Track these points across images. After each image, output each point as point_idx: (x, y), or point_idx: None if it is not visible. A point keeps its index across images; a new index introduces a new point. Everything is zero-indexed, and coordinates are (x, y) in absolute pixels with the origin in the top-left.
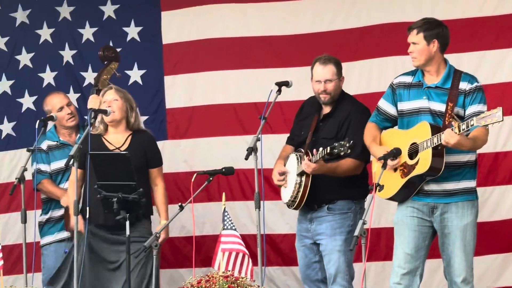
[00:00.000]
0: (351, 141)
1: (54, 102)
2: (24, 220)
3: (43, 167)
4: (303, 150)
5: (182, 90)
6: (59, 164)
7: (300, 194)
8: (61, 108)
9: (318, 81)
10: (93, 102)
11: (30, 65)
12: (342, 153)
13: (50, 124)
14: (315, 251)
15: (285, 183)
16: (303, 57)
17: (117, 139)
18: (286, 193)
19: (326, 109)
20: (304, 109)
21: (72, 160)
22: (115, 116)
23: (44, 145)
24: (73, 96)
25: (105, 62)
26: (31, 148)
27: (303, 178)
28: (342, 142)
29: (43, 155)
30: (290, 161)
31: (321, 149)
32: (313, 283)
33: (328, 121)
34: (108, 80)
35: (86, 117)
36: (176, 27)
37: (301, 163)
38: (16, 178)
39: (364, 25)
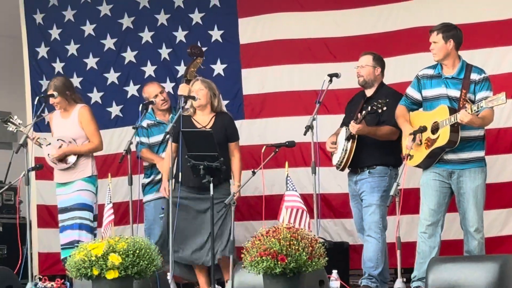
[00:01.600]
0: (387, 100)
1: (150, 91)
2: (130, 182)
3: (144, 139)
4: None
5: (256, 80)
6: (157, 138)
7: (346, 156)
8: (156, 96)
9: (357, 66)
10: (182, 89)
11: (134, 61)
12: (379, 110)
13: (152, 107)
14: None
15: (336, 150)
16: (350, 54)
17: (203, 119)
18: (336, 157)
19: (369, 93)
20: (354, 98)
21: (167, 135)
22: (201, 102)
23: (145, 123)
24: (169, 85)
25: (193, 58)
26: (135, 126)
27: (349, 144)
28: (380, 100)
29: (144, 131)
30: (341, 134)
31: (364, 111)
32: (364, 231)
33: (370, 102)
34: (195, 72)
35: (178, 101)
36: (251, 30)
37: (348, 130)
38: (124, 150)
39: (397, 29)
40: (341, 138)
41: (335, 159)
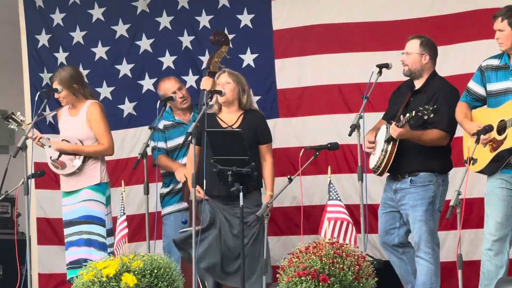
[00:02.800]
0: (435, 106)
1: (166, 87)
2: (146, 192)
3: (160, 144)
4: (393, 121)
5: (291, 72)
6: (176, 141)
7: (385, 160)
8: (173, 93)
9: (402, 53)
10: (205, 83)
11: (150, 50)
12: (425, 116)
13: (169, 104)
14: (397, 218)
15: (374, 150)
16: (402, 41)
17: (229, 117)
18: (373, 159)
19: (418, 85)
20: (401, 88)
21: (190, 137)
22: (227, 98)
23: (161, 125)
24: (191, 78)
25: (218, 46)
26: (153, 126)
27: (389, 146)
28: (427, 106)
29: (159, 134)
30: (380, 131)
31: (407, 114)
32: (390, 247)
33: (418, 95)
34: (219, 63)
35: (201, 96)
36: (285, 14)
37: (388, 131)
38: (139, 154)
39: (457, 11)
40: (381, 137)
41: (372, 162)
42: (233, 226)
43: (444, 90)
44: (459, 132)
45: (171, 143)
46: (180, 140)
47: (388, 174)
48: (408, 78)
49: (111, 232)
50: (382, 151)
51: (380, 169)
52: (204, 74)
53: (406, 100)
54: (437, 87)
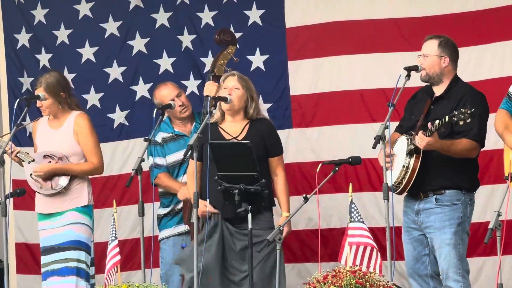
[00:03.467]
0: (473, 109)
1: (163, 94)
2: (141, 213)
3: (159, 160)
4: (413, 133)
5: (307, 76)
6: (176, 156)
7: (407, 176)
8: (172, 100)
9: (419, 56)
10: (209, 88)
11: (145, 51)
12: (461, 122)
13: (167, 114)
14: (424, 243)
15: (392, 165)
16: None
17: (233, 128)
18: (391, 175)
19: (438, 91)
20: (418, 95)
21: (191, 150)
22: (233, 106)
23: (159, 138)
24: (193, 83)
25: (223, 46)
26: (148, 137)
27: (412, 160)
28: (463, 110)
29: (158, 148)
30: (399, 143)
31: (437, 121)
32: (421, 278)
33: (440, 103)
34: (225, 66)
35: (204, 103)
36: (300, 9)
37: (411, 142)
38: (133, 170)
39: (495, 6)
40: (400, 150)
41: (384, 179)
42: (238, 239)
43: (471, 95)
44: (497, 144)
45: (171, 158)
46: (180, 154)
47: (406, 193)
48: (425, 84)
49: (93, 262)
50: (403, 166)
51: (401, 187)
52: (207, 79)
53: (426, 109)
54: (462, 93)
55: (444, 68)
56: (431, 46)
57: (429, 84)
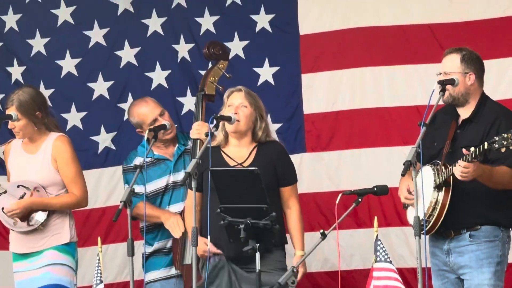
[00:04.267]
0: None
1: (144, 113)
2: (131, 252)
3: (138, 188)
4: (439, 162)
5: (323, 91)
6: (157, 184)
7: (436, 213)
8: (154, 120)
9: (438, 74)
10: (199, 130)
11: (135, 63)
12: (503, 149)
13: (148, 135)
14: (461, 286)
15: (413, 201)
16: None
17: (239, 152)
18: (415, 212)
19: (465, 114)
20: (437, 118)
21: (188, 179)
22: (240, 127)
23: (136, 162)
24: (190, 100)
25: (213, 61)
26: (138, 164)
27: (441, 194)
28: (505, 135)
29: (138, 176)
30: (421, 175)
31: (472, 148)
32: None
33: (469, 127)
34: (216, 83)
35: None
36: (317, 13)
37: (439, 173)
38: (121, 201)
39: None
40: (425, 183)
41: (413, 215)
42: (245, 282)
43: (505, 117)
44: None
45: (151, 186)
46: (162, 181)
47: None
48: (446, 105)
49: None
50: (431, 201)
51: (430, 225)
52: (196, 99)
53: (452, 133)
54: (495, 114)
55: (470, 86)
56: (453, 62)
57: (450, 104)
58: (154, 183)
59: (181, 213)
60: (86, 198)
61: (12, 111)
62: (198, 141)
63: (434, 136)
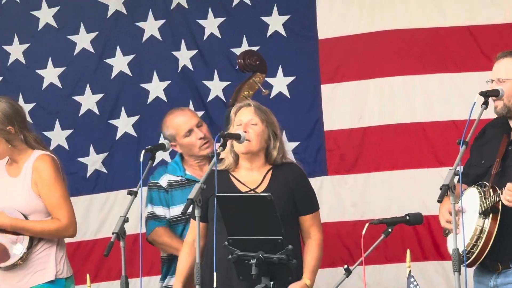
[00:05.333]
0: None
1: (178, 123)
2: None
3: (160, 210)
4: (487, 183)
5: (347, 104)
6: (178, 209)
7: (481, 243)
8: (189, 131)
9: (489, 81)
10: None
11: (128, 73)
12: None
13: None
14: None
15: (458, 228)
16: None
17: (251, 176)
18: (459, 241)
19: None
20: (487, 131)
21: (192, 206)
22: (251, 146)
23: (164, 181)
24: None
25: (249, 73)
26: (134, 189)
27: (488, 221)
28: None
29: (161, 194)
30: (466, 198)
31: None
32: None
33: None
34: (250, 98)
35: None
36: (338, 14)
37: (486, 197)
38: (113, 233)
39: None
40: (468, 207)
41: (454, 244)
42: None
43: None
44: None
45: (175, 211)
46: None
47: (478, 264)
48: (495, 118)
49: None
50: (475, 228)
51: (473, 256)
52: (227, 113)
53: (502, 150)
54: None
55: None
56: (508, 67)
57: (502, 117)
58: (179, 207)
59: None
60: (73, 225)
61: None
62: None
63: (482, 152)
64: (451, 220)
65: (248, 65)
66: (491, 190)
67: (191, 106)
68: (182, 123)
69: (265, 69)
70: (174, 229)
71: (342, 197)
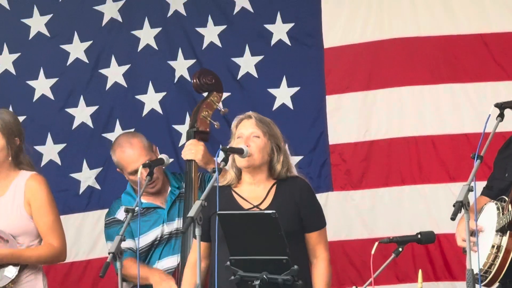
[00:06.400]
0: None
1: (125, 160)
2: None
3: (127, 243)
4: (506, 198)
5: (353, 116)
6: (148, 238)
7: (498, 261)
8: (136, 171)
9: None
10: (192, 150)
11: (124, 84)
12: None
13: (132, 181)
14: None
15: (474, 245)
16: None
17: (254, 192)
18: (475, 261)
19: None
20: (511, 145)
21: (191, 224)
22: (253, 160)
23: (121, 215)
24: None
25: (205, 93)
26: (131, 207)
27: (505, 238)
28: None
29: (122, 228)
30: (486, 213)
31: None
32: None
33: None
34: (209, 118)
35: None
36: (344, 22)
37: (504, 213)
38: (109, 253)
39: None
40: (487, 223)
41: (468, 264)
42: None
43: None
44: None
45: (141, 241)
46: (153, 235)
47: (498, 283)
48: None
49: None
50: (492, 246)
51: (491, 276)
52: (188, 136)
53: None
54: None
55: None
56: None
57: None
58: (145, 237)
59: (175, 271)
60: (65, 250)
61: None
62: (193, 162)
63: (506, 164)
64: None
65: (204, 84)
66: (510, 206)
67: (187, 118)
68: (129, 161)
69: (221, 88)
70: (141, 258)
71: (349, 214)
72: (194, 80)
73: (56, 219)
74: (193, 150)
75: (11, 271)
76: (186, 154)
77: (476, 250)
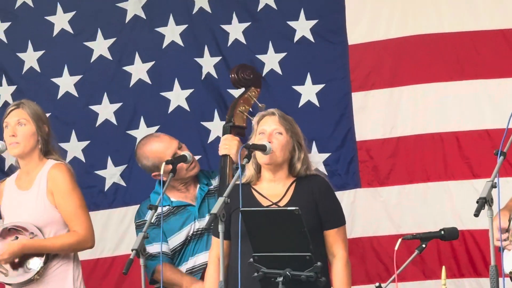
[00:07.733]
0: None
1: (159, 150)
2: None
3: (154, 248)
4: None
5: (380, 113)
6: (180, 237)
7: None
8: (173, 156)
9: None
10: (227, 145)
11: (148, 81)
12: None
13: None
14: None
15: (510, 244)
16: None
17: (274, 189)
18: (510, 259)
19: None
20: None
21: (215, 221)
22: (275, 157)
23: (150, 217)
24: (218, 125)
25: (243, 88)
26: (154, 204)
27: None
28: None
29: (153, 232)
30: (500, 216)
31: None
32: None
33: None
34: (246, 113)
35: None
36: (369, 18)
37: None
38: (133, 249)
39: None
40: None
41: (510, 263)
42: None
43: None
44: None
45: (173, 242)
46: (185, 232)
47: None
48: None
49: None
50: None
51: None
52: (224, 131)
53: None
54: None
55: None
56: None
57: None
58: (177, 236)
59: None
60: (92, 236)
61: (20, 114)
62: (228, 157)
63: None
64: (505, 238)
65: (242, 79)
66: None
67: (216, 115)
68: (163, 149)
69: (259, 83)
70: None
71: (377, 210)
72: (233, 75)
73: (80, 205)
74: (227, 145)
75: (36, 263)
76: (221, 149)
77: (510, 248)
